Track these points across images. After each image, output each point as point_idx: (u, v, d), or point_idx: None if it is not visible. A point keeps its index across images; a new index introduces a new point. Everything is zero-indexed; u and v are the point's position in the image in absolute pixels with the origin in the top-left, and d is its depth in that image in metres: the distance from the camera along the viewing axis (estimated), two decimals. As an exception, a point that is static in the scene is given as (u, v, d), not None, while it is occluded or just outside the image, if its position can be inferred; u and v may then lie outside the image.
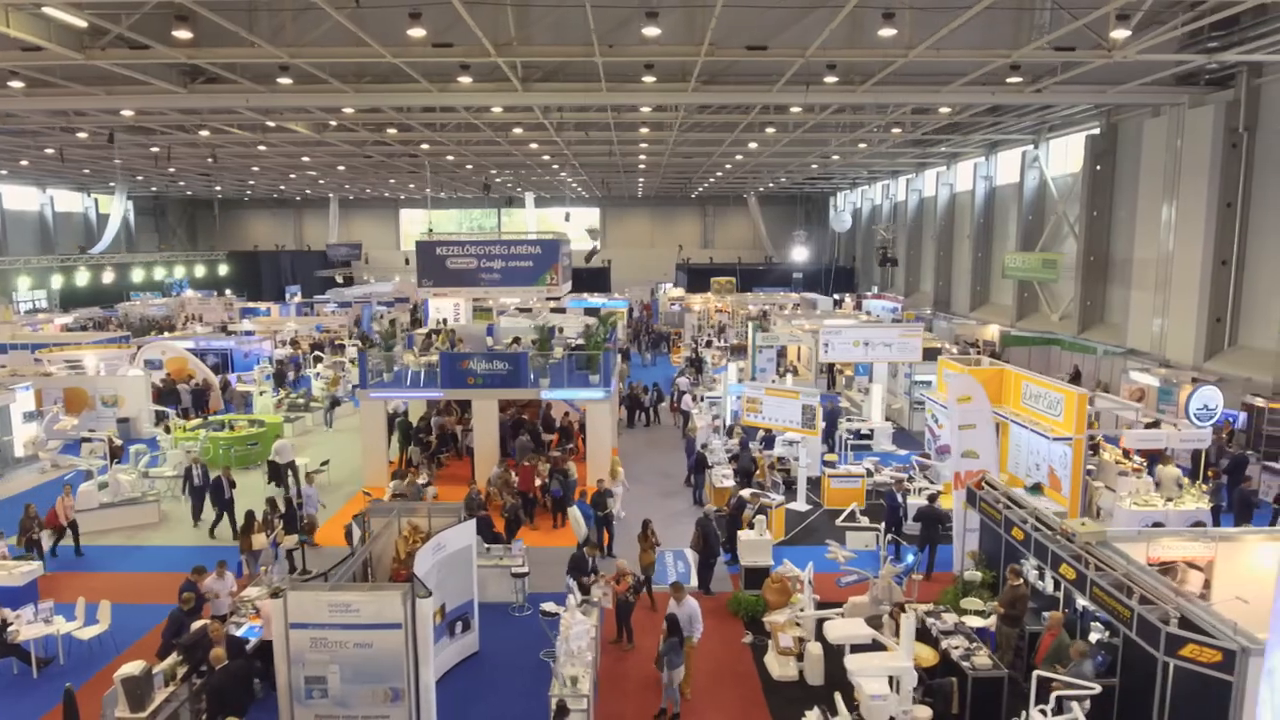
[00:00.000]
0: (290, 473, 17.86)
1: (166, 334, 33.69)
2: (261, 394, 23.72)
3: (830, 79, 21.23)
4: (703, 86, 22.56)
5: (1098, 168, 27.99)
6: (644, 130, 30.67)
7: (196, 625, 9.94)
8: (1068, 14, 16.11)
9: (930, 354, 21.89)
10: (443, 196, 62.36)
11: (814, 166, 43.38)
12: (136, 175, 43.83)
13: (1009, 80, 21.51)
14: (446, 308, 31.98)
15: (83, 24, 16.84)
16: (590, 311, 38.74)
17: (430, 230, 37.59)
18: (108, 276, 41.10)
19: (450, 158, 38.71)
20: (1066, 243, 30.63)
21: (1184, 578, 10.17)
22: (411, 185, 58.02)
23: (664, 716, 9.71)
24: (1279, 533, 10.46)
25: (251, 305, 42.45)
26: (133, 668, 8.76)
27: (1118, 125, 27.95)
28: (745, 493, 15.64)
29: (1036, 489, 16.15)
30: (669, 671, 9.44)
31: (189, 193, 56.44)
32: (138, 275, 36.63)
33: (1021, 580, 10.65)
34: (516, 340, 21.83)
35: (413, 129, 30.20)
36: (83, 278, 43.20)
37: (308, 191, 57.55)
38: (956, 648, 9.98)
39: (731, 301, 45.07)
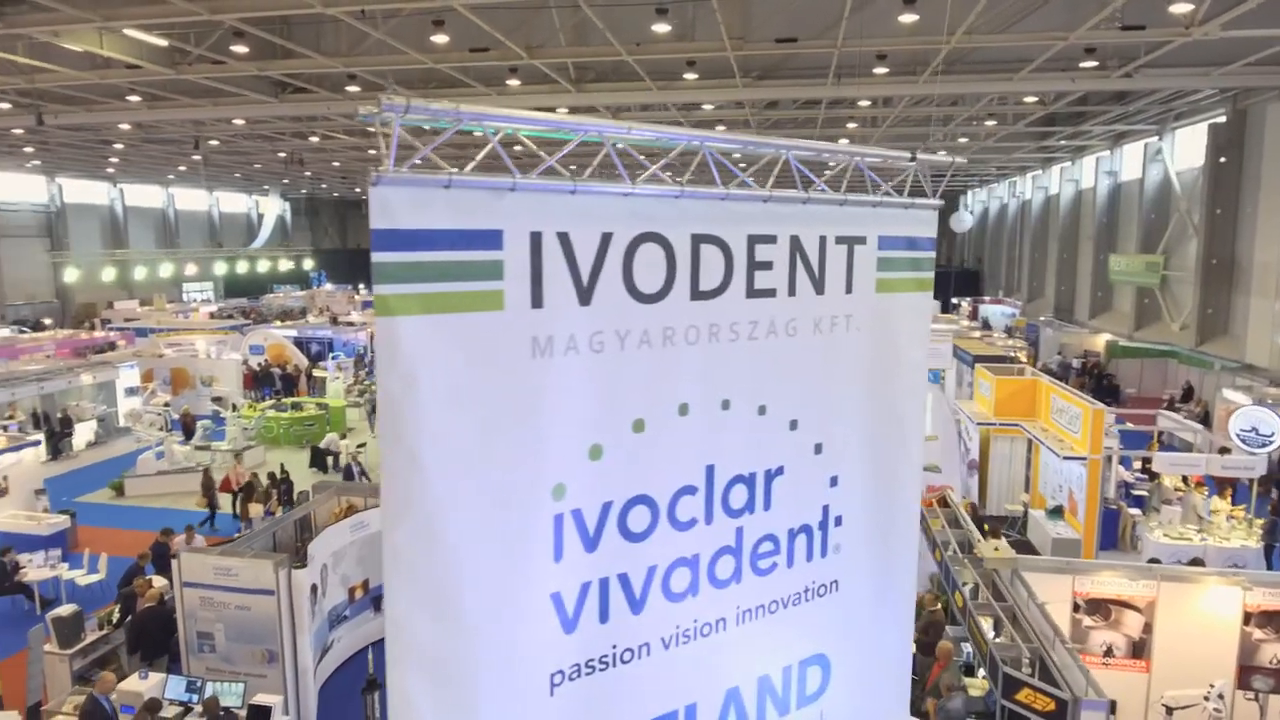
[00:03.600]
0: (330, 458, 19.36)
1: (277, 322, 36.97)
2: (334, 380, 25.62)
3: (880, 70, 20.28)
4: (755, 82, 22.24)
5: (1222, 160, 24.88)
6: (721, 129, 30.36)
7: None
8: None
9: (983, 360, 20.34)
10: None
11: (925, 163, 41.19)
12: (283, 179, 48.30)
13: (1083, 65, 19.65)
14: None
15: (163, 43, 18.92)
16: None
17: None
18: (256, 267, 45.68)
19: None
20: (1190, 244, 27.42)
21: (1118, 619, 9.08)
22: None
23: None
24: (1237, 576, 9.01)
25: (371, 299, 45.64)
26: (64, 610, 9.90)
27: (1246, 112, 24.74)
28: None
29: (1056, 513, 14.80)
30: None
31: (335, 194, 61.44)
32: (284, 268, 40.84)
33: (939, 606, 9.86)
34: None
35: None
36: (240, 271, 48.56)
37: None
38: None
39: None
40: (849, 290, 3.72)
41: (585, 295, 2.95)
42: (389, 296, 2.63)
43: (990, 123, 29.19)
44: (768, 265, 3.42)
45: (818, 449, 3.76)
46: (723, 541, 3.49)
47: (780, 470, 3.63)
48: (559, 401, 2.96)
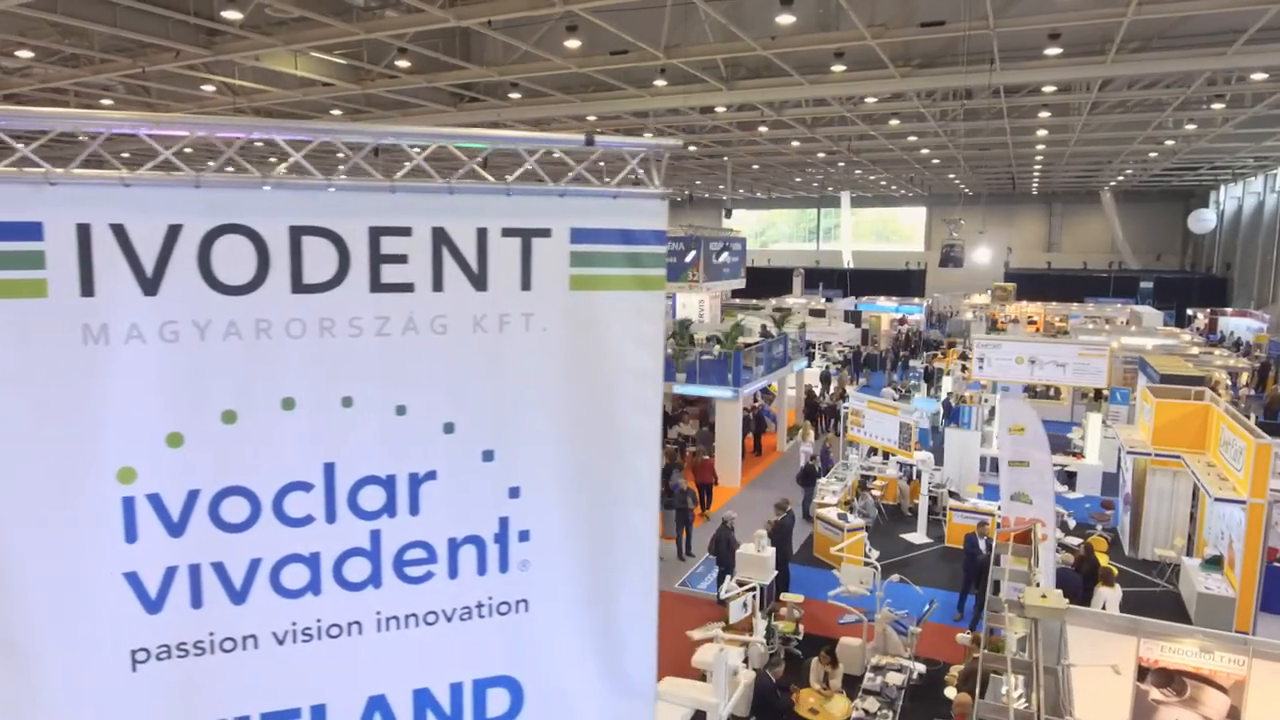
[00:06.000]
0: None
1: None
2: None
3: (1052, 50, 18.18)
4: (915, 71, 20.84)
5: None
6: (894, 123, 28.63)
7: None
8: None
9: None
10: (759, 196, 63.76)
11: (1153, 155, 36.23)
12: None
13: (1313, 31, 16.38)
14: (692, 304, 33.24)
15: (342, 62, 21.16)
16: (851, 316, 37.35)
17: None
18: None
19: (726, 158, 39.80)
20: None
21: (1195, 697, 7.59)
22: (741, 190, 60.45)
23: None
24: (1363, 663, 7.09)
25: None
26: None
27: None
28: (830, 513, 14.55)
29: (1213, 564, 12.64)
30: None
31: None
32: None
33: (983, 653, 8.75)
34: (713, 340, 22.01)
35: (664, 131, 31.86)
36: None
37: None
38: (866, 710, 8.64)
39: (1043, 312, 39.65)
40: (527, 287, 3.42)
41: (150, 286, 2.99)
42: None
43: (1217, 106, 25.06)
44: (400, 259, 3.24)
45: (487, 456, 3.49)
46: (352, 543, 3.36)
47: (432, 475, 3.43)
48: (123, 388, 3.02)
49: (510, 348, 3.45)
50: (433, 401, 3.39)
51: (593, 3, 15.56)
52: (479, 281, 3.38)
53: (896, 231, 71.60)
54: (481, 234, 3.37)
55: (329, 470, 3.31)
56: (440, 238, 3.31)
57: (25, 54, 18.96)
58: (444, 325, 3.34)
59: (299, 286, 3.16)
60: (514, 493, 3.56)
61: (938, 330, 43.35)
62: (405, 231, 3.27)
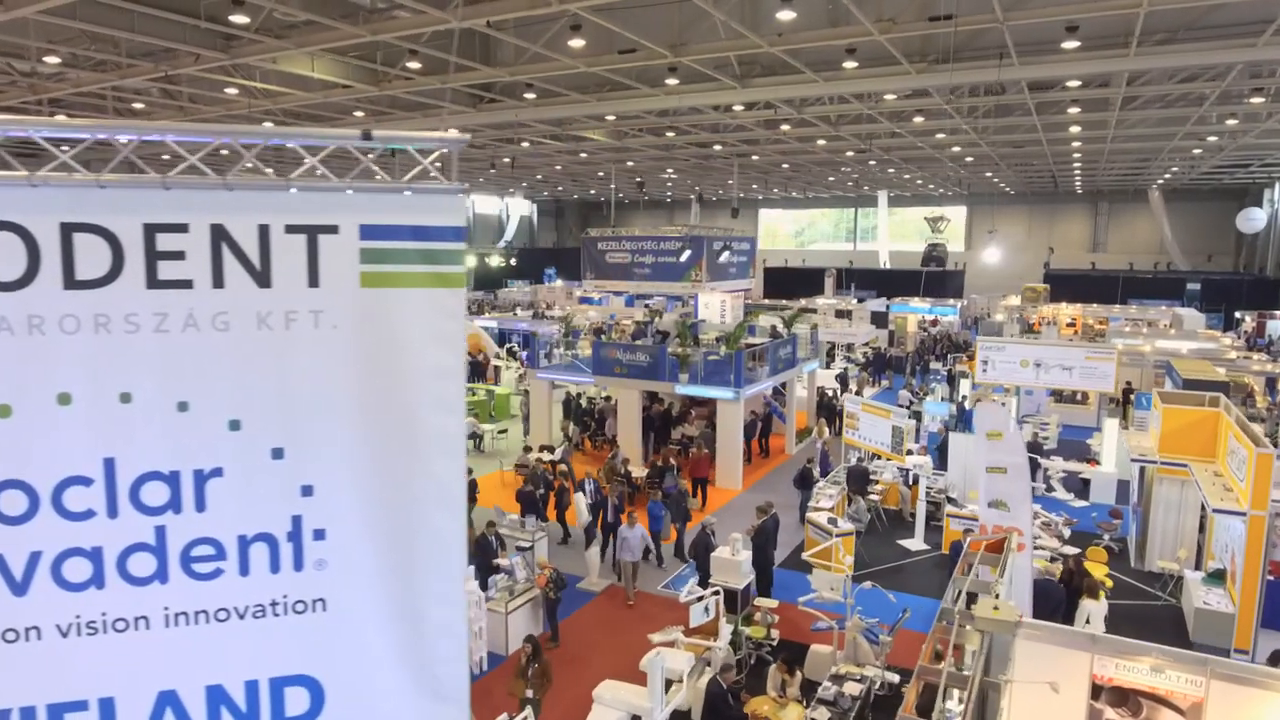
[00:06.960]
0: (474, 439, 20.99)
1: (487, 313, 40.26)
2: (507, 369, 27.39)
3: (1070, 44, 17.60)
4: (931, 67, 20.36)
5: None
6: (919, 120, 28.04)
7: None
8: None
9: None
10: (795, 196, 63.07)
11: (1197, 152, 34.88)
12: (521, 182, 52.44)
13: (1348, 20, 15.55)
14: (714, 304, 33.04)
15: (356, 64, 21.47)
16: (877, 318, 36.71)
17: (613, 228, 38.69)
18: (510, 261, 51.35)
19: (755, 157, 39.45)
20: None
21: (1150, 717, 7.27)
22: (776, 190, 59.92)
23: None
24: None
25: (588, 295, 47.94)
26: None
27: None
28: (820, 517, 14.28)
29: (1216, 578, 12.13)
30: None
31: (575, 196, 65.49)
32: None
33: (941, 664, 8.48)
34: (721, 340, 21.95)
35: (687, 131, 31.70)
36: (494, 264, 54.73)
37: (669, 194, 62.73)
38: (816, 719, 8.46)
39: (1081, 314, 38.49)
40: (314, 284, 3.39)
41: (-78, 284, 3.03)
42: None
43: (1257, 100, 23.98)
44: (177, 255, 3.23)
45: (277, 454, 3.46)
46: (136, 538, 3.37)
47: (218, 472, 3.42)
48: None
49: (298, 345, 3.43)
50: (216, 398, 3.39)
51: (591, 1, 15.52)
52: (262, 278, 3.36)
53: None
54: (263, 230, 3.36)
55: (109, 465, 3.33)
56: (219, 234, 3.31)
57: (53, 60, 19.60)
58: (226, 322, 3.34)
59: (72, 283, 3.19)
60: (307, 491, 3.54)
61: (967, 332, 42.41)
62: (182, 228, 3.27)
